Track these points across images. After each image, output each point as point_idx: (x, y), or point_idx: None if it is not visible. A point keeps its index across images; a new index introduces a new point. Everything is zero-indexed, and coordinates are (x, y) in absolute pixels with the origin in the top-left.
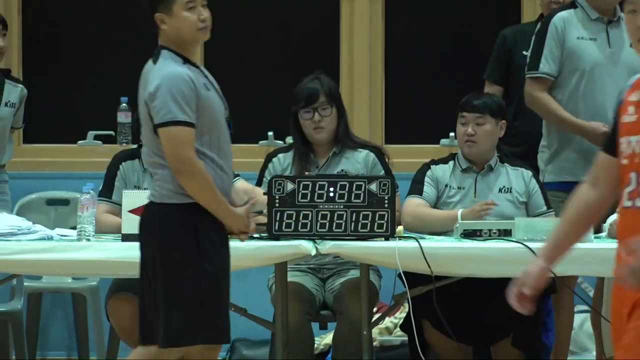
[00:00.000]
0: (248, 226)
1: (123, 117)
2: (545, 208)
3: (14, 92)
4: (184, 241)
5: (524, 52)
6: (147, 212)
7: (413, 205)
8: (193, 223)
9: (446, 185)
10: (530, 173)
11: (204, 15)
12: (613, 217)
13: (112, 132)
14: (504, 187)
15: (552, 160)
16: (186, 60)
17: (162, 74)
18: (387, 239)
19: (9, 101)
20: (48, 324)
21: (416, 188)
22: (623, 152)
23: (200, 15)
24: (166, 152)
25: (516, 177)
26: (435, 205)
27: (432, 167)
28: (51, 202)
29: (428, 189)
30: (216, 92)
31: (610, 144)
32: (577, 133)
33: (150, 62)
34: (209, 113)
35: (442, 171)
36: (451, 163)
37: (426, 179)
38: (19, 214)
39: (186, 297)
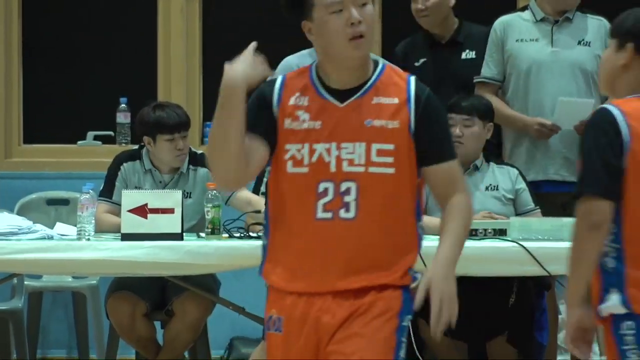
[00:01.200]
0: None
1: (122, 118)
2: (532, 205)
3: None
4: None
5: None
6: None
7: None
8: None
9: None
10: (516, 171)
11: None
12: None
13: (111, 133)
14: (490, 185)
15: (509, 159)
16: None
17: None
18: None
19: None
20: (48, 323)
21: None
22: (298, 158)
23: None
24: None
25: (502, 175)
26: (425, 206)
27: None
28: (51, 202)
29: None
30: None
31: None
32: (518, 129)
33: None
34: None
35: None
36: None
37: None
38: (19, 213)
39: None
